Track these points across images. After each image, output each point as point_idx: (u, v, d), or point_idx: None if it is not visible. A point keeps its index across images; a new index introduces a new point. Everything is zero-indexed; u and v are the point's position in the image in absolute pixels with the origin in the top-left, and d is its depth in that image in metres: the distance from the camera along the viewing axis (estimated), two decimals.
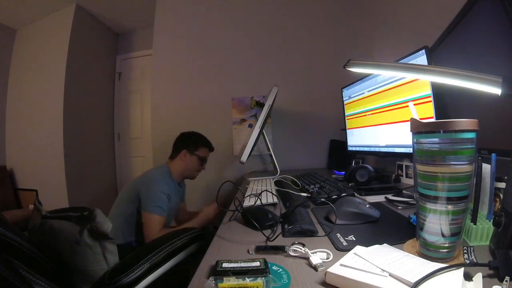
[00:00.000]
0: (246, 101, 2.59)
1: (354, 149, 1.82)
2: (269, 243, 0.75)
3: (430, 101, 1.08)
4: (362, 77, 1.62)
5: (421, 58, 1.11)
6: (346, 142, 1.92)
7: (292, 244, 0.69)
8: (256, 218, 0.87)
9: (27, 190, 3.29)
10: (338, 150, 2.21)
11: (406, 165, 1.45)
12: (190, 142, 1.85)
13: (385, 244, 0.64)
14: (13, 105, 3.45)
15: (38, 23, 3.37)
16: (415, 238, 0.63)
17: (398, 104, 1.29)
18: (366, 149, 1.65)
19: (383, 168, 1.56)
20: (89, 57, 3.50)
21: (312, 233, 0.80)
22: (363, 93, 1.62)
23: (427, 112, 1.09)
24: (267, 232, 0.83)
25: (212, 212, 1.69)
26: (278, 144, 2.47)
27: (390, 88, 1.35)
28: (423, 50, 1.10)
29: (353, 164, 1.77)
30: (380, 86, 1.43)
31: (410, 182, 1.39)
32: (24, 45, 3.46)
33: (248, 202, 1.16)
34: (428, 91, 1.09)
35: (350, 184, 1.36)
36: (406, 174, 1.45)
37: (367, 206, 0.90)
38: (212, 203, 1.70)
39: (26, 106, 3.36)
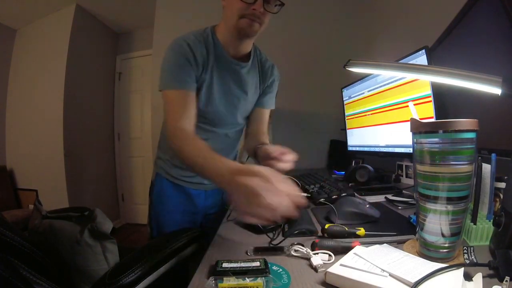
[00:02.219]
0: None
1: (354, 149, 1.82)
2: (268, 244, 0.75)
3: (430, 101, 1.08)
4: (362, 77, 1.62)
5: (421, 58, 1.11)
6: (346, 142, 1.92)
7: (292, 245, 0.69)
8: None
9: (27, 190, 3.29)
10: (338, 150, 2.21)
11: (406, 165, 1.46)
12: None
13: (385, 244, 0.64)
14: (13, 105, 3.45)
15: (38, 23, 3.37)
16: (415, 238, 0.63)
17: (398, 104, 1.29)
18: (366, 149, 1.65)
19: (383, 168, 1.56)
20: (89, 57, 3.50)
21: (312, 233, 0.80)
22: (363, 93, 1.62)
23: (427, 112, 1.09)
24: (269, 234, 0.83)
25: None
26: (278, 144, 2.47)
27: (390, 88, 1.35)
28: (423, 50, 1.10)
29: (353, 164, 1.77)
30: (380, 86, 1.43)
31: (410, 182, 1.39)
32: (24, 45, 3.46)
33: None
34: (428, 91, 1.09)
35: (350, 184, 1.36)
36: (406, 174, 1.45)
37: (367, 206, 0.90)
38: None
39: (26, 106, 3.37)
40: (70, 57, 3.16)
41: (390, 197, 1.11)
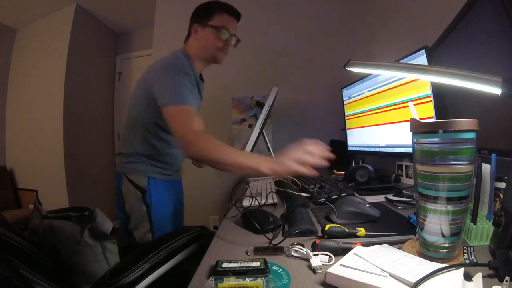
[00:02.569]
0: (246, 101, 2.59)
1: (354, 149, 1.82)
2: (268, 244, 0.75)
3: (430, 101, 1.08)
4: (362, 77, 1.62)
5: (421, 58, 1.11)
6: (346, 142, 1.92)
7: (292, 245, 0.69)
8: (257, 221, 0.87)
9: (27, 190, 3.29)
10: (338, 150, 2.20)
11: (406, 165, 1.46)
12: (200, 13, 1.37)
13: (385, 244, 0.64)
14: (13, 105, 3.46)
15: (38, 23, 3.37)
16: (415, 238, 0.63)
17: (398, 104, 1.29)
18: (366, 149, 1.65)
19: (383, 168, 1.56)
20: (89, 57, 3.50)
21: (312, 234, 0.80)
22: (363, 93, 1.62)
23: (427, 112, 1.09)
24: (269, 234, 0.83)
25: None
26: (278, 144, 2.46)
27: (390, 88, 1.35)
28: (423, 50, 1.10)
29: (353, 164, 1.77)
30: (380, 86, 1.43)
31: (410, 182, 1.39)
32: (24, 45, 3.46)
33: (248, 202, 1.16)
34: (428, 91, 1.09)
35: (350, 184, 1.36)
36: (406, 174, 1.45)
37: (367, 205, 0.90)
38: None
39: (26, 106, 3.37)
40: (70, 57, 3.16)
41: (390, 197, 1.11)
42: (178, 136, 1.07)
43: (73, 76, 3.21)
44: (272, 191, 1.32)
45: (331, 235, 0.76)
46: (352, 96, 1.79)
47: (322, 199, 1.09)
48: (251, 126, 2.55)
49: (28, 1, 2.98)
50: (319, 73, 2.49)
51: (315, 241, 0.69)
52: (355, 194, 1.19)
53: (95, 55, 3.62)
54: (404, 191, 1.16)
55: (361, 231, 0.75)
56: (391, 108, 1.35)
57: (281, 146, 2.40)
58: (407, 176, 1.44)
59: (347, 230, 0.75)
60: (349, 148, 1.88)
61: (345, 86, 1.87)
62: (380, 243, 0.66)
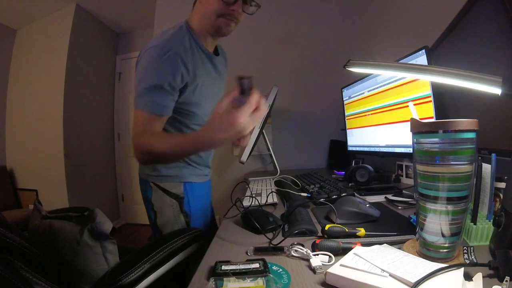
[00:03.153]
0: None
1: (354, 149, 1.82)
2: (268, 245, 0.75)
3: (430, 101, 1.08)
4: (362, 77, 1.62)
5: (421, 58, 1.11)
6: (346, 142, 1.92)
7: (292, 245, 0.69)
8: (257, 221, 0.87)
9: (27, 190, 3.29)
10: (338, 150, 2.21)
11: (406, 165, 1.46)
12: None
13: (385, 244, 0.64)
14: (13, 105, 3.46)
15: (38, 23, 3.37)
16: (415, 238, 0.63)
17: (398, 104, 1.29)
18: (366, 149, 1.65)
19: (383, 168, 1.56)
20: (89, 57, 3.50)
21: (312, 234, 0.80)
22: (363, 93, 1.62)
23: (427, 112, 1.09)
24: (269, 234, 0.83)
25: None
26: (278, 144, 2.47)
27: (390, 88, 1.35)
28: (423, 50, 1.10)
29: (353, 164, 1.77)
30: (380, 86, 1.43)
31: (410, 182, 1.39)
32: (24, 45, 3.46)
33: (248, 202, 1.16)
34: (428, 91, 1.09)
35: (350, 184, 1.36)
36: (406, 174, 1.45)
37: (367, 205, 0.90)
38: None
39: (26, 106, 3.37)
40: (70, 57, 3.16)
41: (390, 197, 1.11)
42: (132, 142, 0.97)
43: (73, 76, 3.21)
44: (272, 191, 1.32)
45: (331, 235, 0.75)
46: (352, 96, 1.79)
47: (322, 199, 1.09)
48: None
49: (28, 1, 2.98)
50: (319, 73, 2.49)
51: (315, 241, 0.69)
52: (355, 194, 1.19)
53: (95, 55, 3.62)
54: (404, 191, 1.16)
55: (361, 231, 0.75)
56: (391, 108, 1.35)
57: (281, 146, 2.41)
58: (407, 176, 1.44)
59: (347, 230, 0.75)
60: (349, 148, 1.88)
61: (345, 86, 1.87)
62: (380, 243, 0.66)
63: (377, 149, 1.51)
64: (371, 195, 1.19)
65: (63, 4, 3.16)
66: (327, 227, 0.77)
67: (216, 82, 1.28)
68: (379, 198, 1.15)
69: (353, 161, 1.89)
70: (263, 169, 2.50)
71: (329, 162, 2.38)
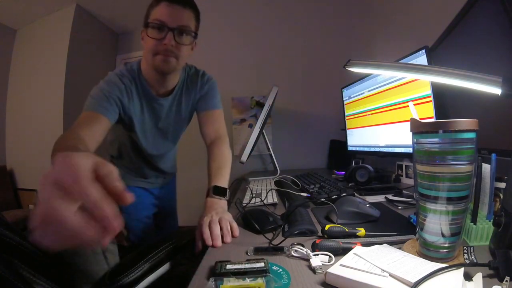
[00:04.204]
0: (246, 101, 2.59)
1: (354, 149, 1.82)
2: (268, 245, 0.75)
3: (430, 101, 1.08)
4: (362, 77, 1.62)
5: (421, 58, 1.11)
6: (346, 142, 1.92)
7: (292, 245, 0.69)
8: (257, 221, 0.87)
9: (27, 190, 3.28)
10: (338, 150, 2.21)
11: (406, 165, 1.46)
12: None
13: (385, 244, 0.64)
14: (13, 105, 3.45)
15: (38, 23, 3.37)
16: (415, 238, 0.63)
17: (398, 104, 1.29)
18: (366, 149, 1.65)
19: (383, 168, 1.56)
20: (89, 57, 3.50)
21: (312, 234, 0.80)
22: (363, 93, 1.62)
23: (427, 112, 1.09)
24: (269, 234, 0.83)
25: None
26: (278, 144, 2.47)
27: (390, 88, 1.35)
28: (423, 50, 1.10)
29: (353, 164, 1.77)
30: (380, 86, 1.43)
31: (410, 182, 1.39)
32: (24, 45, 3.46)
33: (248, 202, 1.16)
34: (428, 91, 1.09)
35: (350, 184, 1.36)
36: (406, 174, 1.45)
37: (367, 205, 0.90)
38: None
39: (26, 106, 3.37)
40: (70, 57, 3.16)
41: (390, 197, 1.11)
42: None
43: (73, 76, 3.21)
44: (272, 189, 1.32)
45: (331, 235, 0.75)
46: (352, 96, 1.80)
47: (322, 199, 1.09)
48: (251, 126, 2.55)
49: (28, 1, 2.98)
50: (319, 73, 2.49)
51: (315, 241, 0.69)
52: (355, 194, 1.19)
53: (95, 55, 3.61)
54: (404, 191, 1.16)
55: (361, 231, 0.75)
56: (391, 108, 1.35)
57: (281, 146, 2.41)
58: (407, 176, 1.45)
59: (347, 230, 0.75)
60: (349, 148, 1.88)
61: (345, 86, 1.87)
62: (380, 243, 0.66)
63: (377, 149, 1.51)
64: (371, 195, 1.19)
65: (63, 4, 3.16)
66: (327, 227, 0.77)
67: (161, 123, 1.30)
68: (379, 198, 1.15)
69: (353, 161, 1.89)
70: (263, 169, 2.51)
71: (329, 162, 2.38)
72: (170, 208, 1.72)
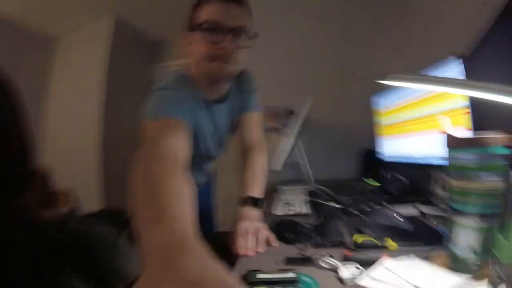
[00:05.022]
0: (277, 109, 2.62)
1: (389, 159, 1.79)
2: (299, 255, 0.78)
3: (467, 112, 1.04)
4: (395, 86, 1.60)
5: (454, 67, 1.08)
6: (379, 152, 1.89)
7: (322, 256, 0.72)
8: (289, 231, 0.91)
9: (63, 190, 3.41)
10: (372, 159, 2.17)
11: (441, 178, 1.40)
12: (186, 15, 1.01)
13: (414, 257, 0.65)
14: (53, 113, 3.64)
15: (80, 31, 3.53)
16: (444, 252, 0.64)
17: (434, 115, 1.26)
18: (401, 159, 1.62)
19: (418, 179, 1.51)
20: (129, 65, 3.62)
21: (342, 245, 0.82)
22: (399, 101, 1.60)
23: (462, 123, 1.05)
24: (300, 245, 0.86)
25: None
26: (310, 153, 2.46)
27: (426, 98, 1.32)
28: (456, 58, 1.07)
29: (387, 175, 1.75)
30: (416, 96, 1.40)
31: (445, 195, 1.34)
32: (64, 55, 3.65)
33: (280, 212, 1.19)
34: (464, 101, 1.05)
35: (384, 196, 1.35)
36: (442, 186, 1.40)
37: (400, 218, 0.90)
38: None
39: (66, 113, 3.54)
40: (110, 66, 3.32)
41: (423, 210, 1.09)
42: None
43: (112, 87, 3.36)
44: (304, 200, 1.33)
45: (361, 246, 0.77)
46: (386, 104, 1.77)
47: (355, 212, 1.10)
48: (282, 134, 2.56)
49: (68, 11, 3.16)
50: (351, 80, 2.47)
51: (344, 252, 0.71)
52: (388, 205, 1.18)
53: (134, 64, 3.73)
54: (438, 205, 1.12)
55: (392, 245, 0.76)
56: (426, 118, 1.32)
57: (313, 155, 2.38)
58: (442, 189, 1.39)
59: (377, 242, 0.77)
60: (384, 158, 1.85)
61: (378, 94, 1.85)
62: (410, 256, 0.66)
63: (412, 161, 1.47)
64: (405, 207, 1.17)
65: (103, 15, 3.33)
66: (358, 239, 0.78)
67: (217, 129, 1.18)
68: (413, 212, 1.13)
69: (388, 172, 1.85)
70: (295, 178, 2.50)
71: (363, 171, 2.34)
72: (206, 208, 1.63)
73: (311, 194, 1.55)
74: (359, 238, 0.79)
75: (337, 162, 2.51)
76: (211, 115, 1.12)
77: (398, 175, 1.38)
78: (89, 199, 3.31)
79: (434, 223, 0.96)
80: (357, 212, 1.09)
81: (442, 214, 1.01)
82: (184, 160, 0.76)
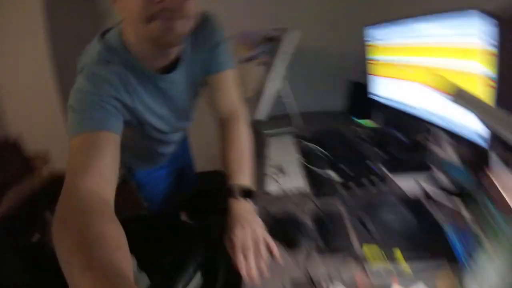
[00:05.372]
0: (254, 36, 2.34)
1: (380, 100, 1.67)
2: (306, 273, 0.76)
3: (491, 84, 0.87)
4: (392, 19, 1.38)
5: (479, 26, 0.88)
6: (367, 86, 1.78)
7: (331, 279, 0.71)
8: (287, 235, 0.88)
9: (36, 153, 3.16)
10: (359, 94, 2.04)
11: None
12: None
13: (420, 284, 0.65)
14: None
15: None
16: (452, 273, 0.62)
17: (444, 69, 1.09)
18: (394, 104, 1.50)
19: (412, 128, 1.41)
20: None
21: (348, 252, 0.80)
22: (396, 39, 1.41)
23: (483, 96, 0.89)
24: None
25: None
26: (294, 82, 2.26)
27: (439, 47, 1.12)
28: (488, 17, 0.86)
29: (383, 124, 1.64)
30: (423, 38, 1.20)
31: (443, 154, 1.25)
32: None
33: (274, 188, 1.16)
34: (490, 71, 0.88)
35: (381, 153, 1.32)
36: (440, 145, 1.30)
37: (405, 216, 0.91)
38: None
39: (13, 72, 3.08)
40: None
41: (424, 186, 1.05)
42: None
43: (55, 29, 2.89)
44: (297, 166, 1.31)
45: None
46: (380, 38, 1.58)
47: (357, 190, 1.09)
48: (263, 64, 2.32)
49: None
50: (339, 7, 2.19)
51: (355, 279, 0.70)
52: (384, 169, 1.19)
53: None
54: (440, 177, 1.06)
55: (404, 266, 0.73)
56: (434, 69, 1.15)
57: (297, 85, 2.18)
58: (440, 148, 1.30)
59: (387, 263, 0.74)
60: (374, 97, 1.73)
61: (371, 25, 1.63)
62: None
63: (410, 110, 1.35)
64: (405, 179, 1.13)
65: None
66: (367, 251, 0.77)
67: (170, 104, 1.00)
68: (414, 187, 1.07)
69: (383, 120, 1.74)
70: (277, 112, 2.35)
71: (349, 106, 2.24)
72: (186, 161, 1.67)
73: (302, 151, 1.49)
74: (368, 251, 0.77)
75: (320, 92, 2.39)
76: (159, 90, 0.93)
77: (397, 133, 1.29)
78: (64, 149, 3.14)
79: (442, 218, 0.89)
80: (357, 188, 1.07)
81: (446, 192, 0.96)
82: (112, 194, 0.66)
